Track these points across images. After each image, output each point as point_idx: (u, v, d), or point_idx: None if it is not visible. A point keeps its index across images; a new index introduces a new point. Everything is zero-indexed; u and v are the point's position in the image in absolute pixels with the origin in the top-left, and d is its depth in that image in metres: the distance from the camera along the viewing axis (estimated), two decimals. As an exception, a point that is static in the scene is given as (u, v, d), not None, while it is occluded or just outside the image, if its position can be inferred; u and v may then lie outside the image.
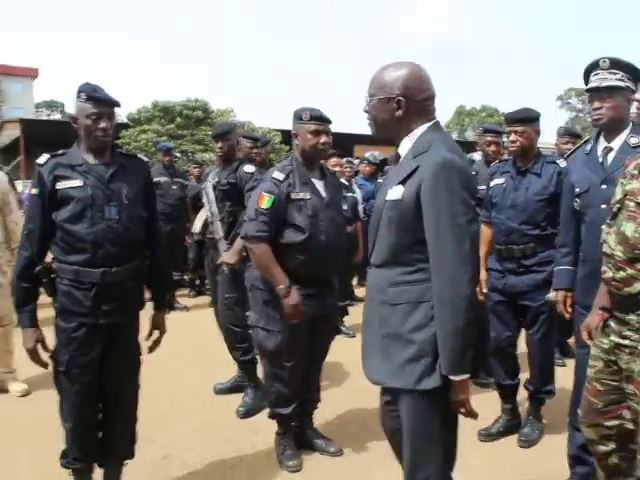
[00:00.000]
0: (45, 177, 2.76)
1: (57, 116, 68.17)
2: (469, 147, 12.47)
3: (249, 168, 4.46)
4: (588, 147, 3.10)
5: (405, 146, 2.16)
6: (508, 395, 4.02)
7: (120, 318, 2.88)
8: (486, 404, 3.87)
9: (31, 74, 63.73)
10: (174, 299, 7.79)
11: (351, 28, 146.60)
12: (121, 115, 32.58)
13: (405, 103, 2.11)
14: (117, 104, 2.87)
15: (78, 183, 2.76)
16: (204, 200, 4.69)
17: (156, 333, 3.15)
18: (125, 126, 30.41)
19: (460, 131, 57.58)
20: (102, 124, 2.78)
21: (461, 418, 2.15)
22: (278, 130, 29.14)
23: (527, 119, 3.76)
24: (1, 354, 4.81)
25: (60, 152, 2.86)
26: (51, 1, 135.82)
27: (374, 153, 9.06)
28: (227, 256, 4.27)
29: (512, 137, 3.75)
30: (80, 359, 2.82)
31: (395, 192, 2.08)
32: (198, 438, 3.95)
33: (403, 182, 2.07)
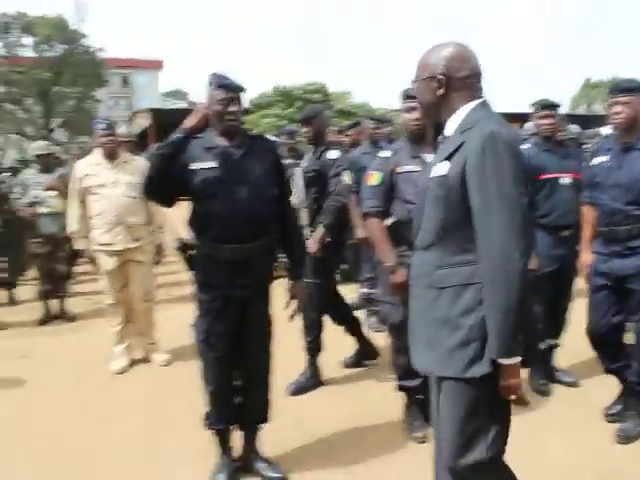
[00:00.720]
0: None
1: (183, 104, 70.94)
2: (596, 121, 11.96)
3: (332, 154, 4.41)
4: None
5: (450, 127, 2.11)
6: (621, 378, 3.78)
7: (253, 291, 3.10)
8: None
9: (156, 66, 66.75)
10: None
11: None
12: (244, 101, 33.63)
13: (446, 81, 2.07)
14: (243, 89, 3.08)
15: (211, 164, 2.99)
16: (292, 186, 4.61)
17: (293, 302, 3.35)
18: (247, 111, 31.36)
19: (588, 103, 54.82)
20: (231, 108, 2.99)
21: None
22: (397, 110, 28.92)
23: (633, 89, 3.49)
24: (145, 327, 5.23)
25: (199, 135, 3.07)
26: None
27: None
28: (309, 244, 4.22)
29: (615, 108, 3.49)
30: (217, 328, 3.06)
31: (440, 168, 2.03)
32: (328, 405, 4.14)
33: (449, 158, 2.02)
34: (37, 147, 6.99)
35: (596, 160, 3.70)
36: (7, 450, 3.70)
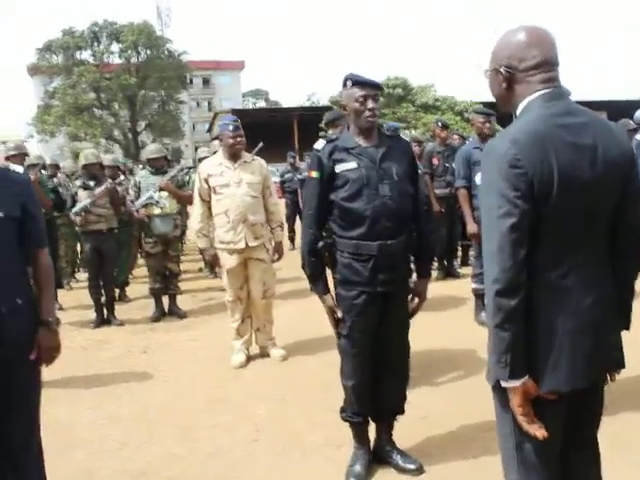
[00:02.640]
0: (325, 161, 3.09)
1: (262, 104, 72.12)
2: None
3: None
4: None
5: None
6: None
7: (394, 286, 3.16)
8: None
9: (238, 67, 68.03)
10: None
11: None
12: (321, 99, 33.78)
13: (508, 74, 1.93)
14: (380, 86, 3.17)
15: (353, 165, 3.07)
16: None
17: (416, 300, 3.38)
18: (328, 109, 31.51)
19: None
20: (370, 104, 3.06)
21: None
22: (481, 103, 28.49)
23: None
24: (264, 323, 5.38)
25: (334, 137, 3.19)
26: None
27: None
28: None
29: None
30: (360, 324, 3.14)
31: (479, 177, 2.00)
32: (454, 402, 4.16)
33: None
34: (150, 150, 7.29)
35: None
36: (138, 446, 3.84)
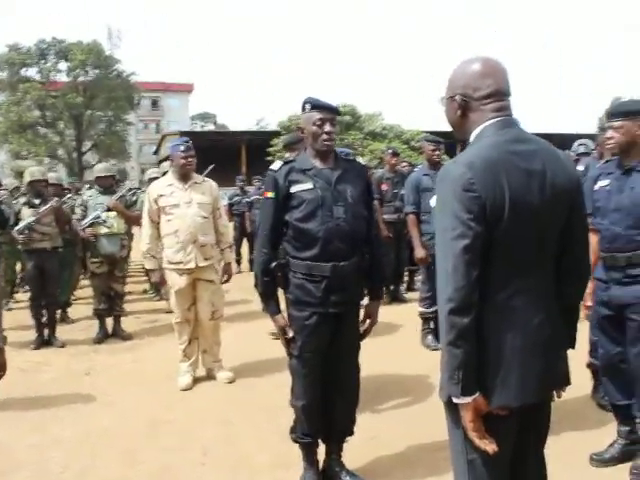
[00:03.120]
0: (280, 182, 3.12)
1: (210, 127, 71.94)
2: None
3: None
4: None
5: None
6: (624, 415, 3.59)
7: (346, 307, 3.20)
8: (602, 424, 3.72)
9: (187, 89, 67.84)
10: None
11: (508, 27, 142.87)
12: (270, 124, 33.94)
13: (463, 102, 2.00)
14: (338, 111, 3.22)
15: (309, 186, 3.11)
16: None
17: (367, 322, 3.42)
18: (277, 134, 31.66)
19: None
20: (327, 128, 3.11)
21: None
22: (427, 132, 29.15)
23: (627, 112, 3.32)
24: (211, 345, 5.33)
25: (291, 159, 3.23)
26: (203, 19, 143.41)
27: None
28: None
29: (608, 133, 3.36)
30: (312, 344, 3.15)
31: (434, 200, 2.05)
32: (402, 424, 4.19)
33: None
34: (99, 169, 7.19)
35: (598, 185, 3.54)
36: (81, 469, 3.74)
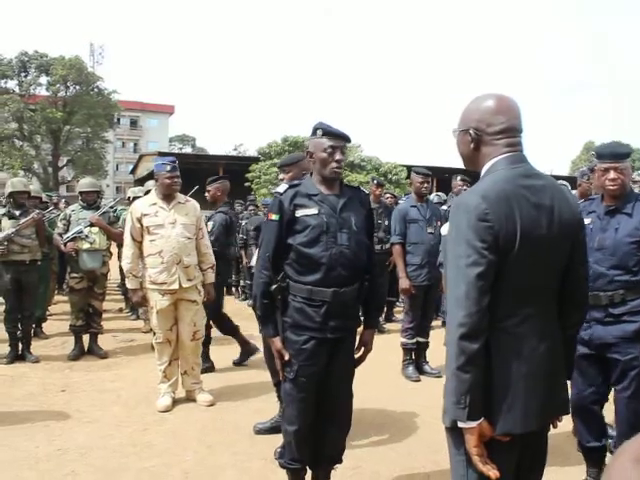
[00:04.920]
0: (286, 205, 3.11)
1: (188, 149, 71.89)
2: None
3: None
4: None
5: None
6: (593, 459, 3.62)
7: (343, 333, 3.18)
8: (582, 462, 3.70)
9: (167, 110, 67.78)
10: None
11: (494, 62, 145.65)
12: (249, 149, 33.96)
13: (476, 136, 2.07)
14: (349, 139, 3.21)
15: (314, 211, 3.10)
16: None
17: (362, 350, 3.40)
18: (256, 160, 31.73)
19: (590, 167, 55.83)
20: (337, 156, 3.11)
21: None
22: (404, 165, 29.48)
23: (627, 154, 3.42)
24: (192, 366, 5.26)
25: (296, 182, 3.22)
26: (187, 42, 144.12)
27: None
28: None
29: (612, 175, 3.35)
30: (308, 369, 3.12)
31: (445, 228, 2.14)
32: (384, 453, 4.16)
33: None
34: (84, 184, 7.12)
35: None
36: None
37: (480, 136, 2.07)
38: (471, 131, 2.08)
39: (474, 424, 1.88)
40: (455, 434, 1.97)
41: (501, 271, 1.91)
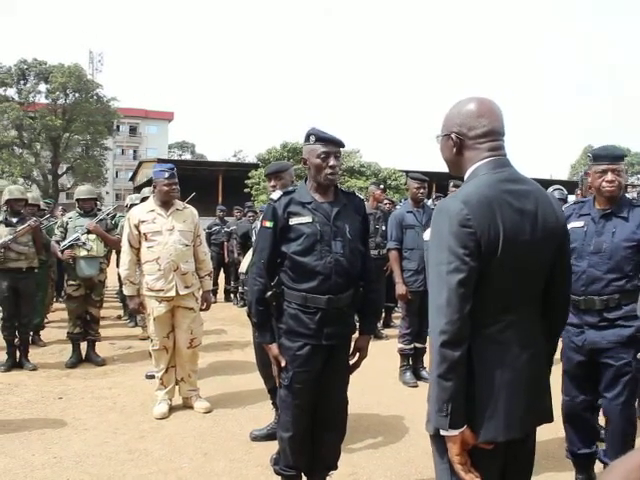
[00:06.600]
0: (279, 212, 3.10)
1: (188, 156, 71.95)
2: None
3: None
4: None
5: None
6: (582, 466, 3.61)
7: (338, 340, 3.18)
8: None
9: (167, 117, 67.85)
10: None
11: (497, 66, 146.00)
12: (248, 156, 34.02)
13: (458, 140, 2.05)
14: (343, 144, 3.18)
15: (308, 219, 3.09)
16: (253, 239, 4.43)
17: (357, 356, 3.39)
18: (255, 166, 31.77)
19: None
20: (331, 162, 3.10)
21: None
22: (403, 171, 29.51)
23: (623, 157, 3.43)
24: (189, 373, 5.26)
25: (290, 189, 3.22)
26: (187, 50, 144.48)
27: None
28: None
29: (610, 176, 3.34)
30: (302, 375, 3.12)
31: (427, 234, 2.10)
32: (380, 460, 4.14)
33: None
34: (82, 191, 7.13)
35: (571, 225, 3.38)
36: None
37: (462, 140, 2.05)
38: (453, 135, 2.06)
39: (456, 432, 1.86)
40: (439, 442, 1.96)
41: (484, 277, 1.89)
